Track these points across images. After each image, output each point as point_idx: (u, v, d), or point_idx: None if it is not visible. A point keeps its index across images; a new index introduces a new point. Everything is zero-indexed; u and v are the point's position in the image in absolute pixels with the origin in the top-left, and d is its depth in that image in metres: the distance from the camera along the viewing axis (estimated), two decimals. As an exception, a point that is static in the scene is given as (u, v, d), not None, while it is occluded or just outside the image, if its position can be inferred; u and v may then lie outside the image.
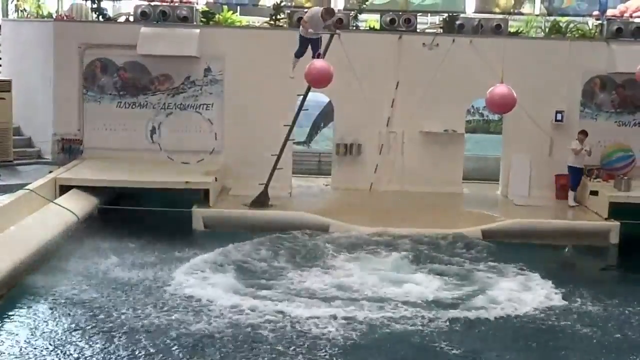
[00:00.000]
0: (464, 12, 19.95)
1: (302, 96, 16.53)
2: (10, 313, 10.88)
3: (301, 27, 15.73)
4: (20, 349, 9.83)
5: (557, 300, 12.31)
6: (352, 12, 19.30)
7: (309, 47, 15.66)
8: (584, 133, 17.26)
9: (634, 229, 15.83)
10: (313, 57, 15.36)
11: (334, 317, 11.13)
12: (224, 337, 10.41)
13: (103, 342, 10.13)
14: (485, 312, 11.68)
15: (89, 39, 18.09)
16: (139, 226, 15.12)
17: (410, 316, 11.35)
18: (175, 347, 10.05)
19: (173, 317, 10.97)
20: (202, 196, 16.15)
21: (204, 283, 12.38)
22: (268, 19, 19.56)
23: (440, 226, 15.70)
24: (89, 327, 10.60)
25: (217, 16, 19.45)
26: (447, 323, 11.21)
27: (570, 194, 17.26)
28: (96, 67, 18.09)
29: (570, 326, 11.41)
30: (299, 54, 15.89)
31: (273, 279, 12.82)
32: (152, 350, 9.93)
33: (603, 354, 10.56)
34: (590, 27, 19.54)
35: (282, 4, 19.58)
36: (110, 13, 19.87)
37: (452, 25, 18.98)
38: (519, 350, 10.65)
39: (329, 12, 15.67)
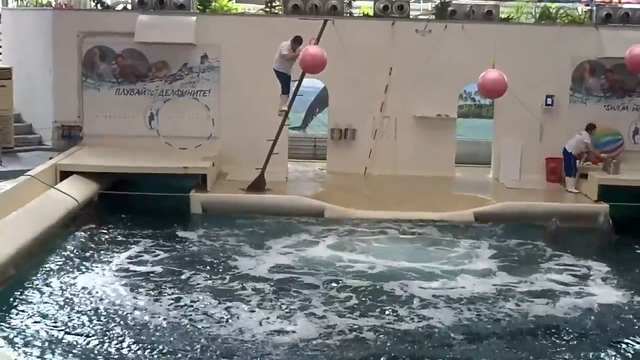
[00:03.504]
0: (456, -1, 20.16)
1: (297, 82, 16.79)
2: (11, 299, 10.93)
3: (276, 62, 16.26)
4: (21, 334, 9.92)
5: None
6: (346, -1, 19.60)
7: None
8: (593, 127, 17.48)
9: (623, 211, 16.15)
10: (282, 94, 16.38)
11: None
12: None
13: (99, 323, 10.44)
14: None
15: (88, 27, 18.26)
16: (138, 210, 15.42)
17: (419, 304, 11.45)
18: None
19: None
20: (200, 181, 16.45)
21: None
22: (264, 6, 19.82)
23: (434, 209, 16.01)
24: (87, 309, 10.85)
25: (213, 4, 19.70)
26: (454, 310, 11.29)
27: (569, 180, 17.35)
28: (95, 55, 18.27)
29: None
30: (287, 90, 16.40)
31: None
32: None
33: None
34: (580, 13, 19.77)
35: (277, -9, 19.87)
36: (108, 1, 20.11)
37: (444, 12, 19.24)
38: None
39: (296, 39, 16.13)
